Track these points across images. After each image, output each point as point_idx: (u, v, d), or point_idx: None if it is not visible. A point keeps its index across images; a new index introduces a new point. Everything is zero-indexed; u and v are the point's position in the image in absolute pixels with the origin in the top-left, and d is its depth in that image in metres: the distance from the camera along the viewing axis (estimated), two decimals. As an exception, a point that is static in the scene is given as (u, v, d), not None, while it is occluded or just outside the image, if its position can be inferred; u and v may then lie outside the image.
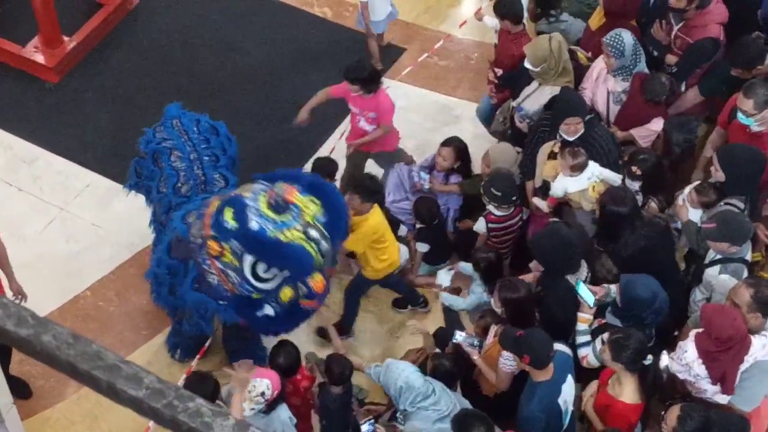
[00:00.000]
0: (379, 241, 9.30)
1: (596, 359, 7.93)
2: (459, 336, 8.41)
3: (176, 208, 8.71)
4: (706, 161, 9.30)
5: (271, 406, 7.79)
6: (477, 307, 9.10)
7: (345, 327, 9.75)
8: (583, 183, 8.96)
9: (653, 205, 8.99)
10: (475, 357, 8.30)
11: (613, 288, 8.11)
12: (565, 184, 9.00)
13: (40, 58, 11.67)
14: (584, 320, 8.01)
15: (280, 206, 7.55)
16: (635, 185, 8.97)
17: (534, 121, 9.68)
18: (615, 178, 8.99)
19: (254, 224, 7.48)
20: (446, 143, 9.97)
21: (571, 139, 8.99)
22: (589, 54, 10.00)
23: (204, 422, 1.92)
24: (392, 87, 11.26)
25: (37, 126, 11.33)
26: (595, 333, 8.04)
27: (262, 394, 7.64)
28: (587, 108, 9.30)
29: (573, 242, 8.24)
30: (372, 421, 8.08)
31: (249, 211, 7.52)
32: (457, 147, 9.92)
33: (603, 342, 7.75)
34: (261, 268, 7.72)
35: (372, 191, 9.19)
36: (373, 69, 9.92)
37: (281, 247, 7.53)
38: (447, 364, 8.26)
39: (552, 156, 9.22)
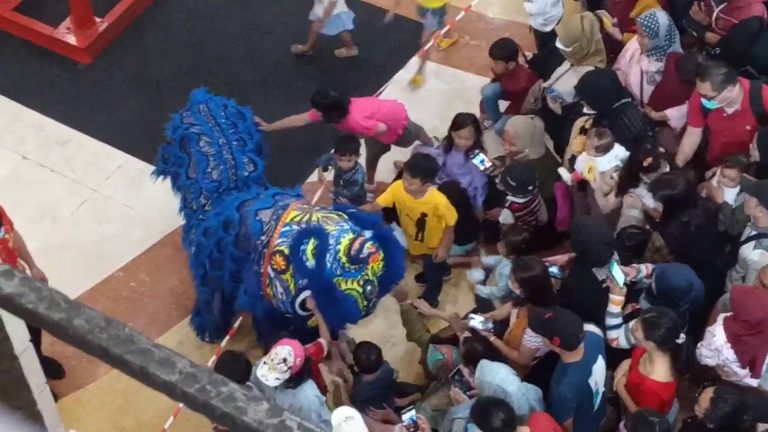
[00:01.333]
0: None
1: (627, 342, 7.90)
2: (473, 320, 8.40)
3: (223, 194, 8.83)
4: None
5: (297, 380, 7.74)
6: (509, 292, 9.05)
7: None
8: (604, 165, 8.92)
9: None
10: (492, 338, 8.28)
11: (643, 268, 8.08)
12: (586, 162, 8.98)
13: (71, 39, 11.70)
14: (616, 302, 7.97)
15: (357, 261, 7.77)
16: (651, 202, 8.77)
17: (566, 102, 9.65)
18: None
19: (327, 264, 7.72)
20: (461, 124, 9.77)
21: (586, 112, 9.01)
22: (615, 20, 9.92)
23: (237, 407, 1.91)
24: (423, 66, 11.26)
25: (69, 107, 11.36)
26: (627, 318, 8.01)
27: (284, 360, 7.59)
28: (616, 90, 9.21)
29: (610, 239, 8.21)
30: (413, 411, 8.02)
31: (329, 252, 7.74)
32: (475, 124, 9.84)
33: (630, 327, 7.72)
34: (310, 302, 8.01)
35: (431, 171, 9.10)
36: (336, 99, 9.70)
37: (336, 297, 7.90)
38: (479, 348, 8.20)
39: (583, 132, 9.18)
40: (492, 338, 8.28)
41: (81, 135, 11.14)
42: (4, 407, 2.25)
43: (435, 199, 9.08)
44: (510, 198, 9.40)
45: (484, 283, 9.28)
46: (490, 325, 8.39)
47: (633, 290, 8.15)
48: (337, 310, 8.00)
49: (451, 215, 9.15)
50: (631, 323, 7.74)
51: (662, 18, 9.22)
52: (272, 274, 8.10)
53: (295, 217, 8.11)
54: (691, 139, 9.15)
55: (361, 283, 7.92)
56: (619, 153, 8.91)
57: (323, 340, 8.25)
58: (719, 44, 9.62)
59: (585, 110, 9.19)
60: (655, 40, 9.24)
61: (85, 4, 11.55)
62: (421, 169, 9.00)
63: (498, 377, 7.58)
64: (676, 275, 7.85)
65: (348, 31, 11.45)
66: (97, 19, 11.75)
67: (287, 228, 8.11)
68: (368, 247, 7.96)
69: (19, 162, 10.92)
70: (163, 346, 1.99)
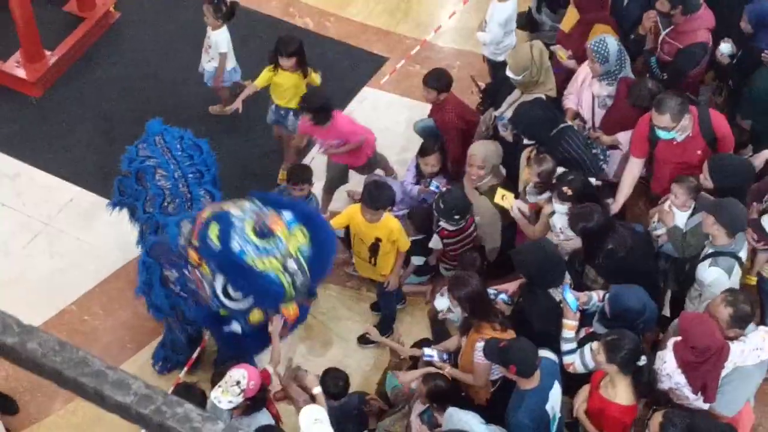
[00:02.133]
0: None
1: (583, 367, 7.92)
2: (428, 354, 8.40)
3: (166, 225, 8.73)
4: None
5: (251, 407, 7.71)
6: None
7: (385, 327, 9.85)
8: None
9: None
10: (447, 370, 8.27)
11: (594, 295, 8.13)
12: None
13: (21, 73, 11.66)
14: (570, 327, 7.99)
15: (264, 233, 7.58)
16: (564, 207, 8.83)
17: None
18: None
19: (235, 245, 7.53)
20: (428, 151, 9.86)
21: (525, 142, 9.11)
22: (570, 52, 10.01)
23: (193, 427, 1.91)
24: (374, 96, 11.31)
25: (19, 141, 11.30)
26: (582, 342, 8.04)
27: (238, 383, 7.55)
28: (550, 119, 9.26)
29: (558, 256, 8.25)
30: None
31: (234, 231, 7.56)
32: (441, 150, 9.90)
33: (591, 350, 7.73)
34: (231, 288, 7.82)
35: (388, 200, 9.12)
36: (325, 101, 9.81)
37: (254, 275, 7.60)
38: (442, 384, 8.18)
39: (530, 162, 9.24)
40: (447, 369, 8.28)
41: (32, 168, 11.08)
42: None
43: (389, 224, 9.12)
44: (441, 223, 9.44)
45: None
46: (445, 356, 8.40)
47: (585, 314, 8.18)
48: (259, 289, 7.77)
49: (404, 241, 9.19)
50: (590, 346, 7.76)
51: (612, 44, 9.32)
52: (198, 273, 7.98)
53: (207, 217, 7.98)
54: (633, 172, 9.24)
55: (279, 257, 7.75)
56: None
57: (270, 367, 8.23)
58: (664, 70, 9.75)
59: (525, 141, 9.26)
60: (606, 65, 9.34)
61: (34, 38, 11.51)
62: (378, 199, 9.00)
63: (466, 426, 7.57)
64: (630, 296, 7.88)
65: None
66: (47, 52, 11.72)
67: (201, 230, 8.01)
68: (269, 215, 7.77)
69: (-31, 196, 10.86)
70: (117, 368, 1.99)
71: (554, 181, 9.00)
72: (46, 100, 11.68)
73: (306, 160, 10.68)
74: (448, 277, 9.58)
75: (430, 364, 8.38)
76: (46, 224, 10.63)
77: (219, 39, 10.89)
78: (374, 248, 9.25)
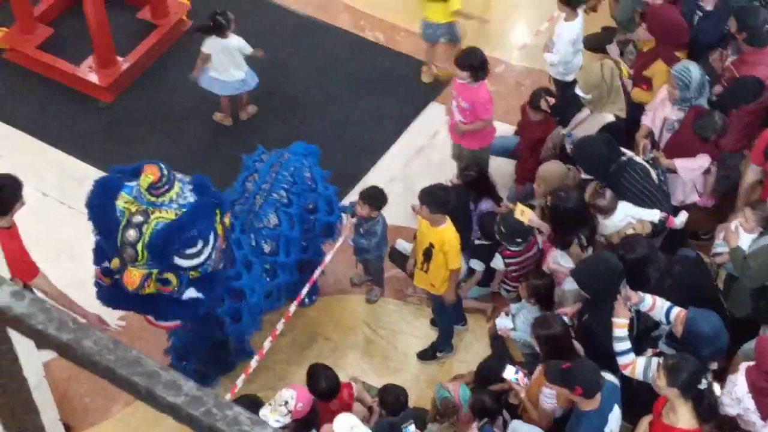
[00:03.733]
0: None
1: (643, 375, 7.80)
2: (512, 373, 8.30)
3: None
4: (746, 195, 9.25)
5: (300, 428, 7.72)
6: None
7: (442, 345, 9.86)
8: (615, 225, 8.93)
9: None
10: (523, 395, 8.22)
11: (649, 298, 7.99)
12: (599, 226, 9.01)
13: (94, 78, 11.78)
14: (621, 325, 7.89)
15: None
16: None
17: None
18: (650, 216, 8.93)
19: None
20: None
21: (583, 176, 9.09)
22: (632, 71, 9.96)
23: (242, 430, 1.91)
24: (440, 111, 11.30)
25: (89, 145, 11.43)
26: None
27: (286, 403, 7.57)
28: (611, 154, 9.15)
29: (619, 268, 8.18)
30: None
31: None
32: (465, 179, 9.98)
33: (658, 365, 7.63)
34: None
35: (441, 202, 8.98)
36: (483, 58, 9.85)
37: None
38: (487, 401, 8.16)
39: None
40: (522, 394, 8.22)
41: (100, 173, 11.14)
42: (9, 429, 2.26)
43: (445, 234, 9.04)
44: (504, 244, 9.43)
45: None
46: (527, 380, 8.26)
47: (650, 336, 8.10)
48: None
49: (454, 257, 9.11)
50: (658, 361, 7.66)
51: (696, 73, 9.21)
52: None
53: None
54: (751, 177, 9.26)
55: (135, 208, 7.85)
56: (629, 212, 8.91)
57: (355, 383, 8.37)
58: (718, 95, 9.66)
59: (582, 176, 9.23)
60: (685, 92, 9.25)
61: (108, 44, 11.64)
62: (431, 197, 8.95)
63: None
64: (706, 322, 7.77)
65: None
66: (120, 58, 11.84)
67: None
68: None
69: (39, 199, 10.96)
70: (169, 369, 1.99)
71: None
72: (116, 105, 11.79)
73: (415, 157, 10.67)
74: (508, 298, 9.58)
75: (485, 381, 8.37)
76: (112, 228, 10.71)
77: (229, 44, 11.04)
78: (427, 253, 9.20)
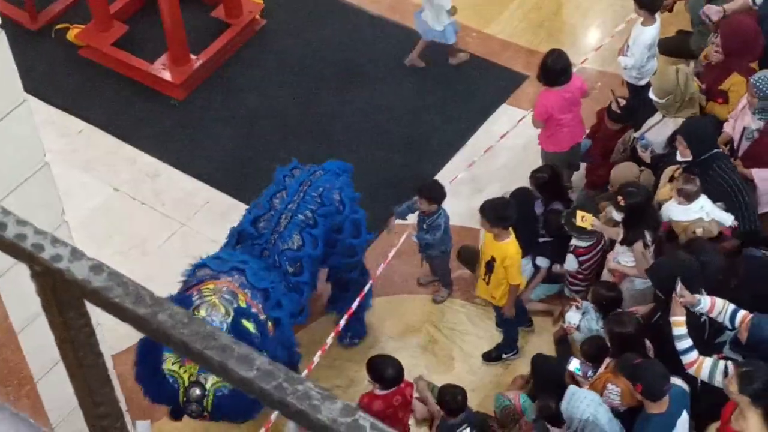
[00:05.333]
0: None
1: (709, 377, 7.73)
2: (577, 364, 8.31)
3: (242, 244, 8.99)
4: None
5: None
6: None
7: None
8: (689, 215, 8.82)
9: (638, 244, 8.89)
10: (586, 388, 8.21)
11: (706, 300, 7.90)
12: (670, 211, 8.91)
13: (167, 75, 11.91)
14: (678, 323, 7.81)
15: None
16: (618, 216, 8.94)
17: (656, 152, 9.62)
18: (726, 219, 8.85)
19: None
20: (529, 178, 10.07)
21: (679, 159, 8.92)
22: (704, 85, 9.88)
23: (312, 405, 1.93)
24: (510, 113, 11.30)
25: (161, 142, 11.55)
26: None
27: None
28: (714, 139, 9.15)
29: (694, 267, 8.12)
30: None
31: None
32: (536, 180, 9.99)
33: (725, 369, 7.57)
34: None
35: (501, 216, 9.00)
36: (562, 66, 9.91)
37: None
38: (553, 407, 8.16)
39: (672, 180, 9.13)
40: (585, 387, 8.20)
41: (172, 169, 11.31)
42: (87, 403, 2.31)
43: (509, 249, 9.05)
44: (574, 242, 9.40)
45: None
46: (590, 373, 8.29)
47: (715, 342, 8.03)
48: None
49: (514, 273, 9.12)
50: (726, 364, 7.60)
51: None
52: None
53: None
54: None
55: (184, 372, 8.04)
56: (705, 206, 8.82)
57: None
58: None
59: (678, 157, 9.09)
60: (765, 102, 9.16)
61: (182, 42, 11.76)
62: (488, 211, 9.01)
63: (590, 407, 7.63)
64: None
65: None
66: (192, 57, 11.95)
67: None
68: None
69: (111, 194, 11.12)
70: (242, 343, 2.03)
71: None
72: (188, 103, 11.90)
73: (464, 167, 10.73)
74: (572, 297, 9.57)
75: (572, 376, 8.35)
76: (182, 224, 10.82)
77: None
78: (489, 266, 9.20)
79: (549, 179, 9.92)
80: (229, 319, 8.07)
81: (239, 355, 1.95)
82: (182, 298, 8.11)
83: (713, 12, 10.10)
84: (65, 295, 2.12)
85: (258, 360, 1.94)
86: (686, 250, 8.40)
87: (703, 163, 8.95)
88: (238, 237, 9.03)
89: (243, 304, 8.19)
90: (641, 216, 8.90)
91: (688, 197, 8.73)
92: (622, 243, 8.98)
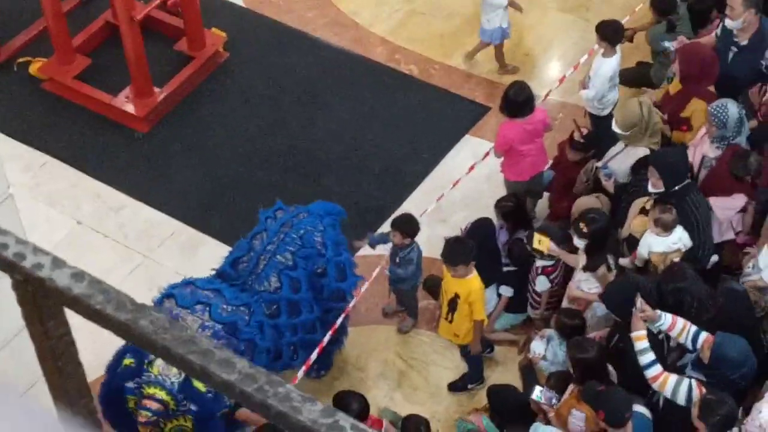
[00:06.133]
0: None
1: (671, 391, 7.76)
2: (538, 392, 8.35)
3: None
4: None
5: None
6: (560, 366, 9.02)
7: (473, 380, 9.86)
8: (667, 245, 8.87)
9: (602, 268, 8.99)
10: (551, 415, 8.25)
11: (665, 317, 7.94)
12: (649, 242, 8.92)
13: (130, 108, 11.88)
14: (640, 338, 7.86)
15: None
16: (581, 243, 8.97)
17: (619, 182, 9.69)
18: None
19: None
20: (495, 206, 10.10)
21: (651, 190, 8.99)
22: (665, 116, 9.97)
23: (293, 406, 1.96)
24: (473, 144, 11.37)
25: (125, 175, 11.52)
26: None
27: None
28: (686, 170, 9.21)
29: (647, 285, 8.20)
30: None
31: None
32: (501, 209, 10.00)
33: (689, 387, 7.61)
34: None
35: (460, 256, 9.00)
36: (530, 95, 9.99)
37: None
38: None
39: (643, 212, 9.18)
40: (551, 414, 8.24)
41: (135, 202, 11.29)
42: (65, 413, 2.32)
43: (472, 284, 9.06)
44: (540, 264, 9.48)
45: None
46: (554, 400, 8.32)
47: (677, 366, 8.09)
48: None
49: (479, 308, 9.14)
50: (690, 383, 7.65)
51: (732, 110, 9.23)
52: None
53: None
54: None
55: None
56: (683, 237, 8.87)
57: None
58: (753, 129, 9.66)
59: (650, 188, 9.13)
60: (723, 130, 9.26)
61: (145, 75, 11.76)
62: (448, 254, 9.05)
63: None
64: (733, 347, 7.76)
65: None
66: (156, 89, 11.95)
67: None
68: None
69: (74, 227, 11.09)
70: (223, 348, 2.06)
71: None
72: (152, 135, 11.89)
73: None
74: (536, 320, 9.64)
75: (537, 404, 8.38)
76: (146, 257, 10.80)
77: None
78: (452, 304, 9.20)
79: (514, 208, 9.97)
80: (181, 378, 8.15)
81: (220, 359, 1.98)
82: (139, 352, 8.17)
83: (676, 43, 10.24)
84: (46, 303, 2.15)
85: (239, 363, 1.97)
86: (667, 275, 8.45)
87: (676, 194, 8.98)
88: (218, 278, 9.00)
89: None
90: (604, 241, 8.98)
91: (666, 227, 8.76)
92: (585, 269, 9.03)
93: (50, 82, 12.27)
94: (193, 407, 8.15)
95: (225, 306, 8.49)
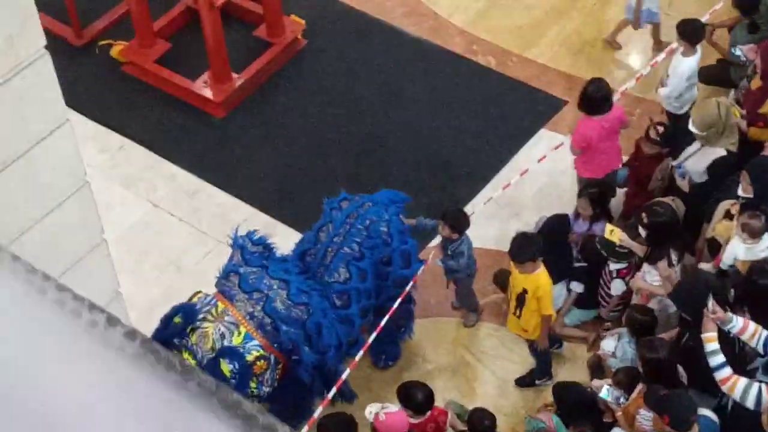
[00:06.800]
0: None
1: (741, 393, 7.67)
2: (606, 391, 8.32)
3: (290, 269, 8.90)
4: None
5: None
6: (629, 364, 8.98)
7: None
8: (755, 254, 8.73)
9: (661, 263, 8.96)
10: (618, 414, 8.23)
11: (738, 319, 7.86)
12: (736, 250, 8.81)
13: (208, 93, 11.99)
14: (710, 339, 7.76)
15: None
16: (642, 233, 9.02)
17: (695, 181, 9.61)
18: None
19: None
20: (579, 194, 9.98)
21: (740, 194, 8.92)
22: (744, 111, 9.86)
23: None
24: (549, 138, 11.31)
25: (201, 159, 11.64)
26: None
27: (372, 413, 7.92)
28: None
29: (719, 284, 8.13)
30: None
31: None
32: (590, 195, 9.86)
33: (759, 391, 7.52)
34: None
35: (528, 253, 8.97)
36: (603, 95, 9.89)
37: None
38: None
39: (728, 216, 9.10)
40: (618, 413, 8.22)
41: (210, 186, 11.39)
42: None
43: (540, 280, 9.02)
44: (614, 267, 9.46)
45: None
46: (622, 399, 8.29)
47: (745, 369, 8.01)
48: None
49: (546, 303, 9.10)
50: (761, 386, 7.57)
51: None
52: None
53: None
54: None
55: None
56: None
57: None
58: None
59: (740, 192, 9.02)
60: None
61: (224, 60, 11.84)
62: (516, 251, 9.01)
63: None
64: None
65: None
66: (234, 75, 12.03)
67: None
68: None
69: (149, 209, 11.22)
70: (266, 413, 2.09)
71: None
72: (228, 121, 11.98)
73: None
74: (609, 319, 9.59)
75: (604, 402, 8.36)
76: (219, 242, 10.88)
77: None
78: (520, 299, 9.18)
79: (600, 194, 9.92)
80: (212, 356, 8.24)
81: (264, 425, 2.01)
82: (190, 310, 8.42)
83: (747, 50, 10.13)
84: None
85: (281, 429, 2.00)
86: (751, 273, 8.37)
87: (766, 200, 8.88)
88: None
89: (237, 341, 8.29)
90: (666, 235, 8.92)
91: (753, 234, 8.64)
92: (646, 260, 9.00)
93: (130, 65, 12.41)
94: None
95: (283, 301, 8.53)
